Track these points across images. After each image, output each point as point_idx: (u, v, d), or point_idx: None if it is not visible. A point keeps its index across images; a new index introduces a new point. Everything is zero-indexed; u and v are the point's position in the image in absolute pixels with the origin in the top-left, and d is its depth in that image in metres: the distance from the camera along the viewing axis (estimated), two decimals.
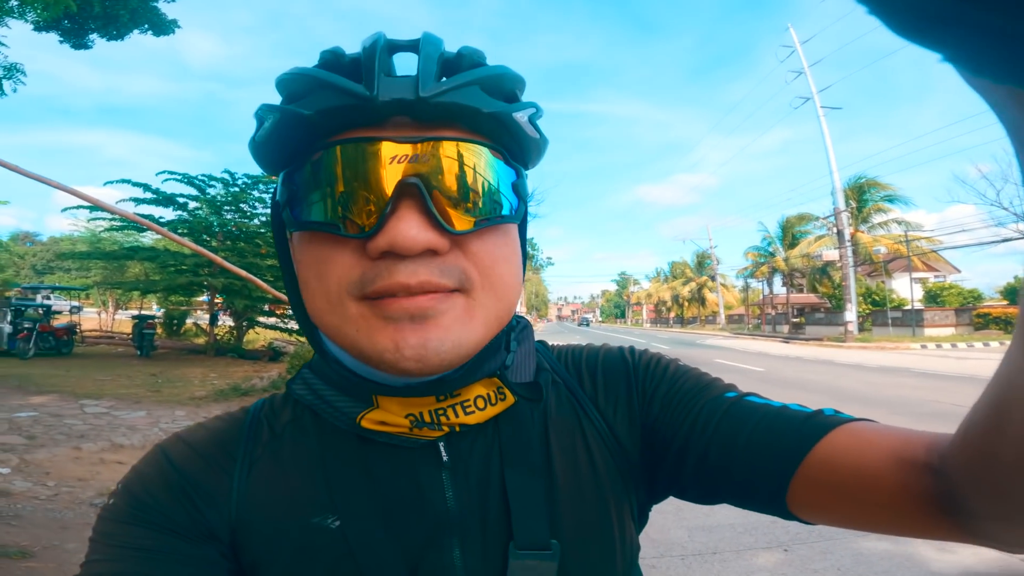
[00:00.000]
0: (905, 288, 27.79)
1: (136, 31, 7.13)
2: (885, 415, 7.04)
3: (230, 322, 16.83)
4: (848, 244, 24.56)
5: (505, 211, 0.43)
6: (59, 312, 16.89)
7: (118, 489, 0.45)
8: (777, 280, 36.79)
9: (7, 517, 3.30)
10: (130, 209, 13.56)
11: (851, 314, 23.27)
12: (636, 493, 0.52)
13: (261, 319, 16.38)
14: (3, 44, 5.71)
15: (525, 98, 0.46)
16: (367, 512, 0.44)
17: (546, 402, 0.52)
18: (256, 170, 15.66)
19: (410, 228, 0.38)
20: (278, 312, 15.80)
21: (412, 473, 0.46)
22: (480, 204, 0.41)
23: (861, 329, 25.05)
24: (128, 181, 14.25)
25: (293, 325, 15.89)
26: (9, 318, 12.73)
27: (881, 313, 25.59)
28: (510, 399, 0.47)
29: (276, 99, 0.44)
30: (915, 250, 26.25)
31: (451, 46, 0.44)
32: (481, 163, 0.41)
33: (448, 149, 0.39)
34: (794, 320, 32.96)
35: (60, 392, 7.72)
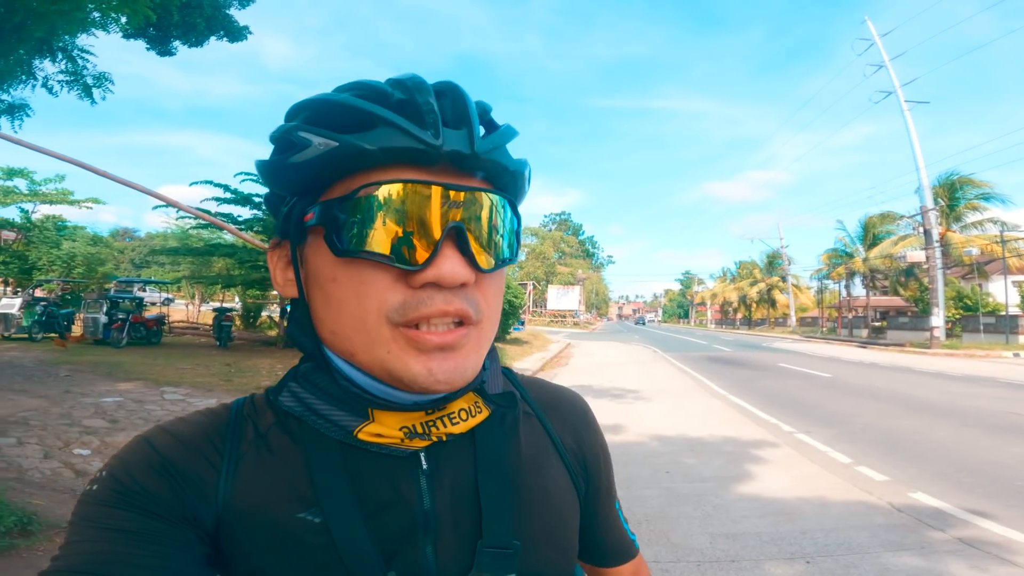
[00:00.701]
0: (1003, 292, 25.39)
1: (213, 37, 7.67)
2: (957, 427, 6.58)
3: None
4: (936, 244, 22.72)
5: (513, 255, 0.50)
6: (152, 304, 18.41)
7: (100, 475, 0.48)
8: (857, 283, 34.56)
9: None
10: (212, 208, 14.63)
11: (938, 319, 21.58)
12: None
13: None
14: (91, 53, 6.38)
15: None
16: (349, 509, 0.48)
17: (517, 423, 0.59)
18: None
19: (455, 265, 0.44)
20: None
21: (393, 478, 0.51)
22: (500, 248, 0.48)
23: (950, 335, 23.15)
24: (210, 182, 15.37)
25: None
26: (105, 309, 14.07)
27: (973, 318, 23.53)
28: (485, 412, 0.54)
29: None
30: (1013, 251, 23.93)
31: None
32: (504, 213, 0.49)
33: (484, 199, 0.46)
34: (875, 324, 30.88)
35: (145, 379, 8.49)
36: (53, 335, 13.81)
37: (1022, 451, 5.43)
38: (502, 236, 0.49)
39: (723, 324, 69.96)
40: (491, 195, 0.47)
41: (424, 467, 0.52)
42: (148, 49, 7.54)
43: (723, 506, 3.91)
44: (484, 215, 0.47)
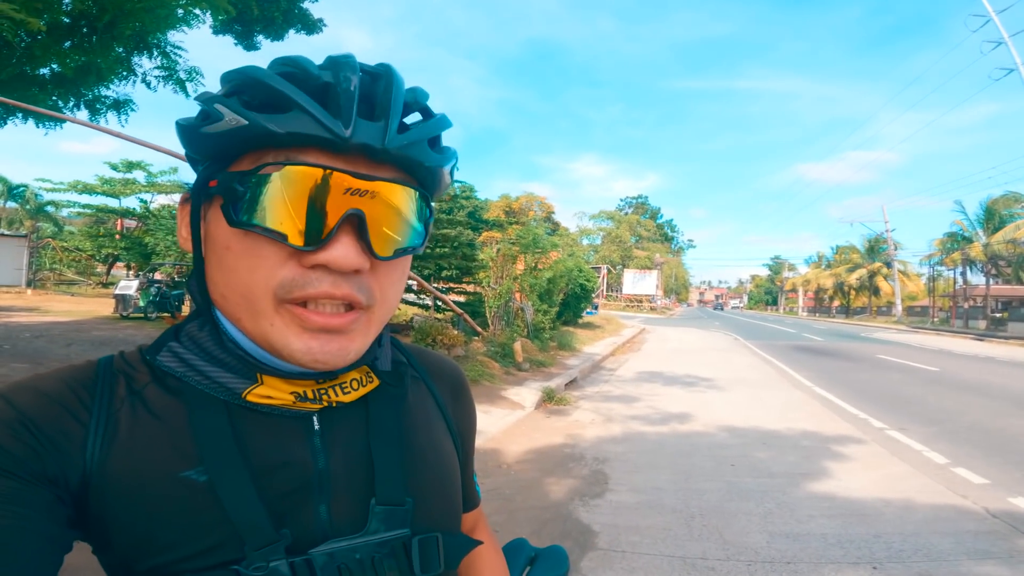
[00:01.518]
0: None
1: (291, 31, 8.07)
2: None
3: None
4: None
5: (417, 242, 0.51)
6: None
7: None
8: (976, 270, 31.02)
9: None
10: None
11: None
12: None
13: (405, 295, 17.83)
14: (183, 49, 6.90)
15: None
16: (236, 468, 0.48)
17: (405, 387, 0.61)
18: None
19: (348, 251, 0.45)
20: (417, 289, 17.08)
21: (283, 438, 0.51)
22: (401, 238, 0.49)
23: None
24: None
25: (428, 302, 17.11)
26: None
27: None
28: (376, 382, 0.57)
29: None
30: None
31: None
32: (411, 204, 0.50)
33: (390, 190, 0.47)
34: (995, 315, 27.64)
35: None
36: (165, 315, 15.27)
37: None
38: (407, 226, 0.50)
39: (816, 312, 65.40)
40: (401, 186, 0.48)
41: (316, 428, 0.53)
42: (236, 44, 8.05)
43: (789, 504, 3.64)
44: (388, 205, 0.48)
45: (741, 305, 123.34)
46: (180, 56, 6.73)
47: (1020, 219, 27.32)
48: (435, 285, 14.24)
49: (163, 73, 6.70)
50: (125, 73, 6.34)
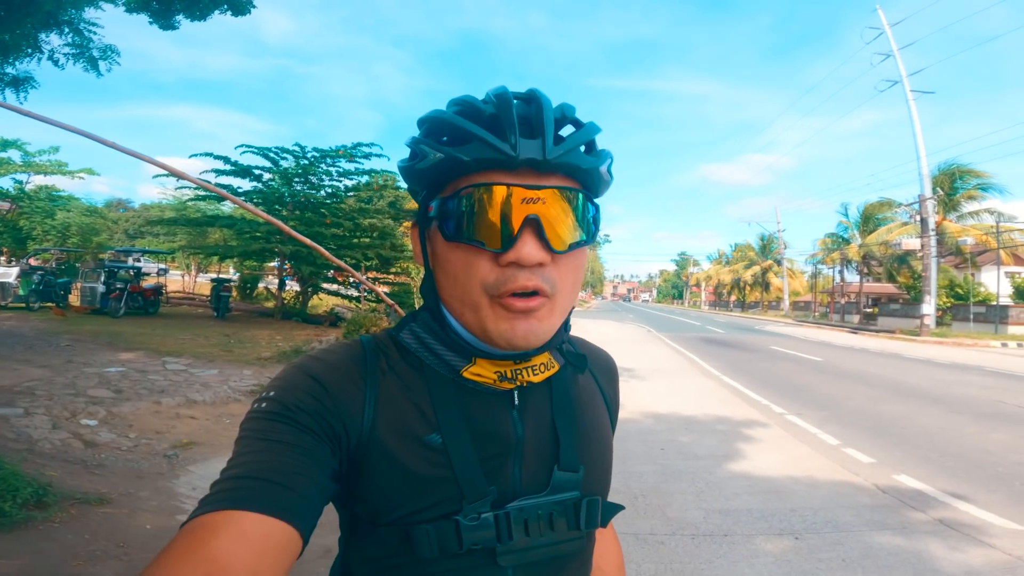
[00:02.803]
0: (995, 282, 25.62)
1: (217, 11, 7.54)
2: (944, 413, 6.77)
3: (297, 287, 17.86)
4: (932, 233, 22.86)
5: (586, 238, 0.61)
6: (148, 274, 18.39)
7: (268, 395, 0.58)
8: (852, 269, 34.72)
9: (92, 466, 3.73)
10: (211, 180, 14.54)
11: (929, 307, 21.84)
12: None
13: (325, 285, 17.27)
14: (98, 26, 6.29)
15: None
16: (461, 434, 0.60)
17: (585, 370, 0.73)
18: (324, 144, 16.09)
19: (531, 249, 0.56)
20: (340, 279, 16.61)
21: (493, 410, 0.63)
22: (573, 233, 0.59)
23: (940, 323, 23.42)
24: (210, 154, 15.26)
25: (353, 292, 16.68)
26: (103, 279, 14.06)
27: (963, 307, 23.83)
28: (556, 366, 0.66)
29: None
30: (1007, 242, 24.11)
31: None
32: (577, 205, 0.59)
33: (558, 195, 0.57)
34: (867, 310, 31.18)
35: (146, 349, 8.56)
36: (50, 304, 13.80)
37: (1006, 438, 5.61)
38: (575, 224, 0.59)
39: (717, 306, 70.41)
40: (564, 191, 0.58)
41: (516, 403, 0.64)
42: (151, 23, 7.42)
43: (716, 483, 4.06)
44: (557, 208, 0.57)
45: (650, 298, 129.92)
46: (94, 34, 6.14)
47: (891, 223, 30.74)
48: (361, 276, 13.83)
49: (74, 51, 6.09)
50: (30, 50, 5.70)
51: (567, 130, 0.62)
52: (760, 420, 6.29)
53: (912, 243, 25.09)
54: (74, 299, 14.84)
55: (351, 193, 16.80)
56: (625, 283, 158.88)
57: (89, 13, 5.99)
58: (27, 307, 13.37)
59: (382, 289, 12.87)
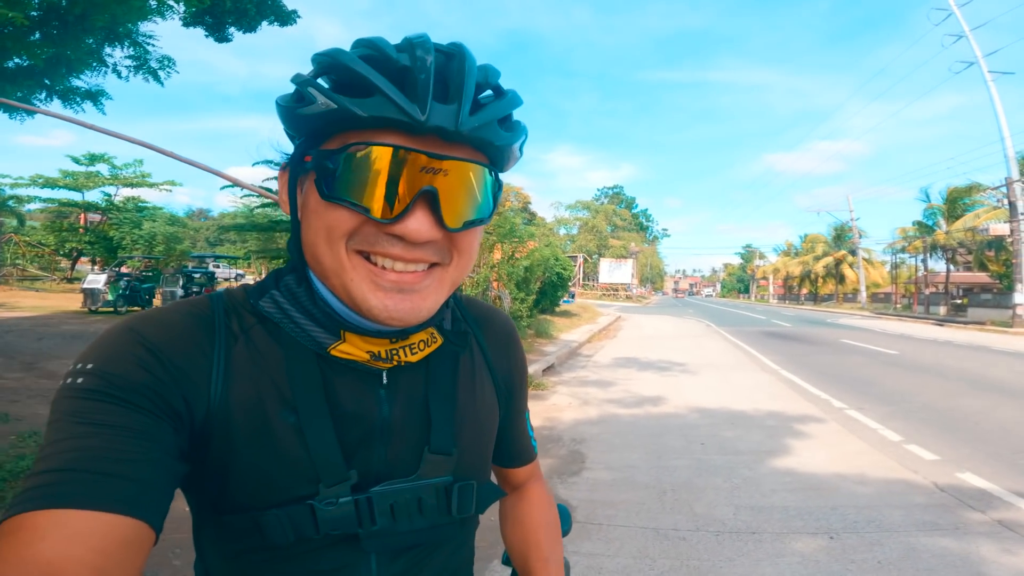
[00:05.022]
0: None
1: (265, 23, 7.95)
2: (1022, 407, 6.12)
3: None
4: (1021, 217, 20.79)
5: (486, 214, 0.55)
6: (225, 279, 19.60)
7: (84, 368, 0.48)
8: (938, 258, 32.13)
9: None
10: (273, 186, 15.30)
11: (1022, 295, 19.87)
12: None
13: None
14: (154, 38, 6.77)
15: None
16: (320, 413, 0.54)
17: (466, 347, 0.67)
18: None
19: (421, 224, 0.50)
20: None
21: (357, 389, 0.57)
22: (472, 210, 0.53)
23: None
24: (269, 162, 16.02)
25: None
26: (181, 283, 15.14)
27: None
28: (438, 341, 0.61)
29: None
30: None
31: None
32: (481, 181, 0.53)
33: (461, 168, 0.51)
34: (955, 301, 28.77)
35: None
36: (136, 308, 14.99)
37: None
38: (476, 201, 0.53)
39: (786, 299, 67.04)
40: (472, 164, 0.52)
41: (384, 382, 0.59)
42: (207, 36, 7.92)
43: (754, 479, 3.86)
44: (459, 182, 0.51)
45: (714, 293, 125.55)
46: (152, 45, 6.64)
47: (980, 208, 28.28)
48: None
49: (134, 63, 6.61)
50: (96, 64, 6.24)
51: (487, 97, 0.55)
52: (816, 415, 5.93)
53: (1001, 228, 22.89)
54: (157, 303, 16.06)
55: None
56: (687, 278, 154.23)
57: (145, 27, 6.46)
58: (115, 311, 14.56)
59: None
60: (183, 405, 0.50)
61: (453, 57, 0.51)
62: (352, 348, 0.56)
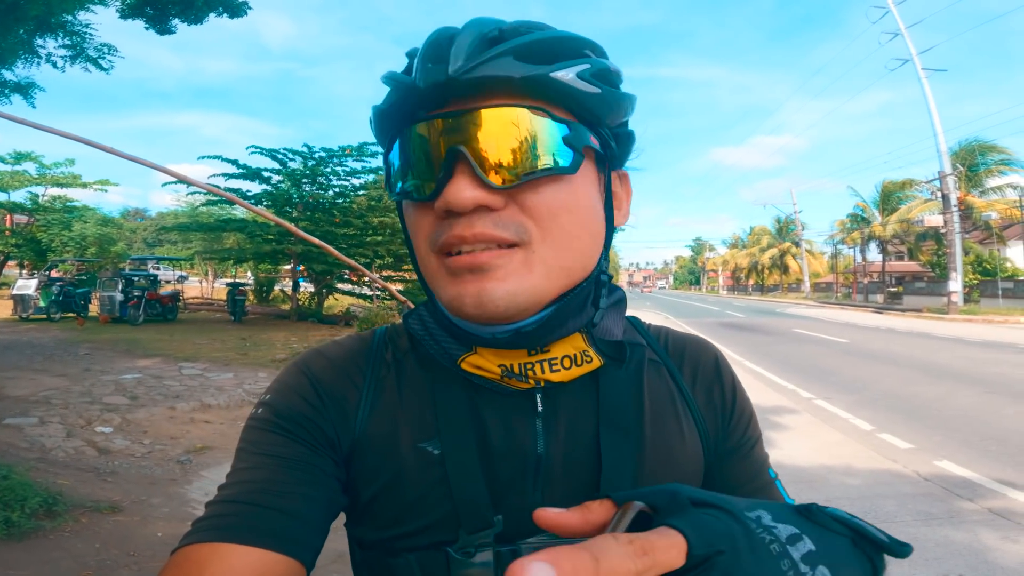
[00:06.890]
0: (1022, 257, 24.88)
1: (212, 14, 7.47)
2: (979, 393, 6.49)
3: (311, 289, 17.90)
4: (954, 209, 22.21)
5: (552, 164, 0.44)
6: (167, 281, 18.57)
7: (265, 399, 0.51)
8: (873, 248, 33.97)
9: (104, 474, 3.69)
10: (220, 184, 14.57)
11: (955, 284, 21.21)
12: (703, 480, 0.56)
13: (340, 285, 17.28)
14: (92, 28, 6.23)
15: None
16: (465, 445, 0.48)
17: (642, 371, 0.55)
18: (332, 145, 16.07)
19: (460, 189, 0.43)
20: (354, 279, 16.60)
21: (509, 418, 0.50)
22: (521, 161, 0.43)
23: (967, 300, 22.78)
24: (219, 157, 15.28)
25: (368, 291, 16.68)
26: (121, 287, 14.20)
27: (991, 283, 23.13)
28: (596, 362, 0.51)
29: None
30: None
31: (510, 15, 0.51)
32: (519, 124, 0.44)
33: (482, 117, 0.43)
34: (891, 289, 30.52)
35: (163, 355, 8.58)
36: (71, 315, 13.97)
37: None
38: (528, 148, 0.44)
39: (735, 290, 69.61)
40: (497, 110, 0.43)
41: (540, 409, 0.50)
42: (147, 28, 7.37)
43: None
44: (488, 133, 0.43)
45: (667, 285, 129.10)
46: (89, 35, 6.09)
47: (912, 201, 30.00)
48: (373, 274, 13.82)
49: (71, 52, 6.05)
50: (27, 56, 5.69)
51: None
52: (789, 406, 6.07)
53: (935, 220, 24.38)
54: (94, 309, 15.01)
55: (361, 192, 16.76)
56: (641, 271, 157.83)
57: (81, 16, 5.93)
58: (48, 318, 13.53)
59: (395, 287, 12.83)
60: (335, 436, 0.49)
61: (457, 32, 0.45)
62: (482, 360, 0.49)
